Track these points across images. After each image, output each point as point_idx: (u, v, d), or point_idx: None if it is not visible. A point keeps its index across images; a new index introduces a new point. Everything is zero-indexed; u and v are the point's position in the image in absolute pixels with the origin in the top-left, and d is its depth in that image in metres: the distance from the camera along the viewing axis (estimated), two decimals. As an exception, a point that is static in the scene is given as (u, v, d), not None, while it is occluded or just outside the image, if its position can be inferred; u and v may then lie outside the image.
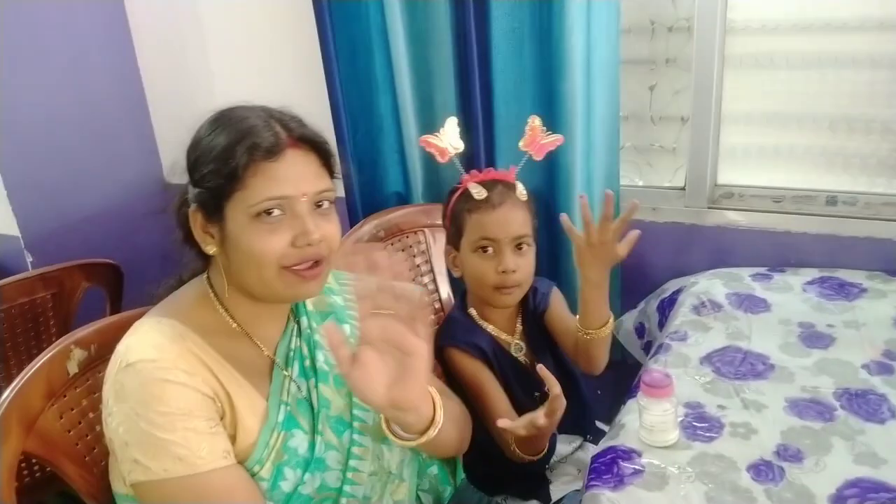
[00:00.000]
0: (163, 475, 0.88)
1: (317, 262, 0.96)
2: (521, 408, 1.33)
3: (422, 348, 0.87)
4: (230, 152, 0.92)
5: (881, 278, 1.55)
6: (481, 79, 1.73)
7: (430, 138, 1.33)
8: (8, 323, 1.55)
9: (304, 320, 1.10)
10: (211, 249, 0.97)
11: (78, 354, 1.10)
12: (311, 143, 0.97)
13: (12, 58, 1.96)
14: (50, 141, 2.08)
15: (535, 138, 1.33)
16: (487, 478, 1.31)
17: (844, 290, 1.52)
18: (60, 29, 2.09)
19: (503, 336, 1.38)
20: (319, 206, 0.97)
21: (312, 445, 1.01)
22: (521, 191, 1.31)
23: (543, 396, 1.31)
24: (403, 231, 1.66)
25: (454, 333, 1.33)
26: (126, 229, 2.03)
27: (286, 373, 1.04)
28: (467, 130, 1.81)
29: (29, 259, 2.02)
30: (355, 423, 1.07)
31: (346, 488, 1.04)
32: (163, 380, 0.89)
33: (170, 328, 0.95)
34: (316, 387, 1.05)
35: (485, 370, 1.30)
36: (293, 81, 2.07)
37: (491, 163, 1.81)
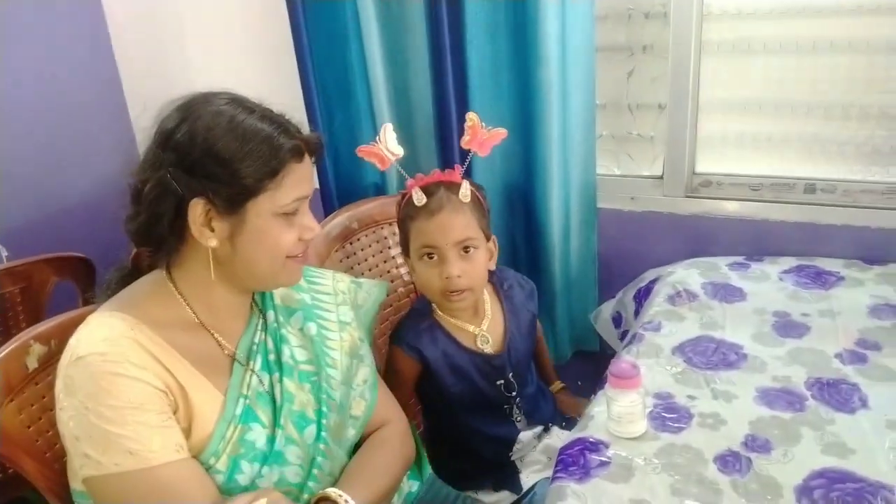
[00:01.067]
0: (114, 469, 0.87)
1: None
2: (485, 397, 1.35)
3: None
4: (269, 155, 0.94)
5: (858, 266, 1.54)
6: (455, 68, 1.71)
7: (368, 147, 1.29)
8: (-25, 317, 1.53)
9: (270, 314, 1.09)
10: (212, 242, 0.96)
11: (37, 349, 1.08)
12: (313, 145, 1.02)
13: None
14: (25, 134, 2.04)
15: (476, 135, 1.30)
16: (456, 472, 1.31)
17: (821, 279, 1.51)
18: (36, 20, 2.05)
19: (468, 328, 1.37)
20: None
21: (272, 439, 1.00)
22: (464, 192, 1.28)
23: (507, 385, 1.33)
24: (378, 222, 1.64)
25: (405, 333, 1.35)
26: (102, 223, 1.99)
27: (247, 367, 1.03)
28: (442, 121, 1.79)
29: (4, 253, 1.99)
30: (323, 421, 1.06)
31: (310, 484, 1.03)
32: (112, 373, 0.88)
33: (121, 321, 0.93)
34: (280, 381, 1.04)
35: (413, 374, 1.35)
36: (267, 69, 2.04)
37: (465, 152, 1.78)
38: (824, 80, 1.62)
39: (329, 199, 1.99)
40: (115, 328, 0.92)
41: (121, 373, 0.88)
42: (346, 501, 0.99)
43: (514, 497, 1.32)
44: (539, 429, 1.40)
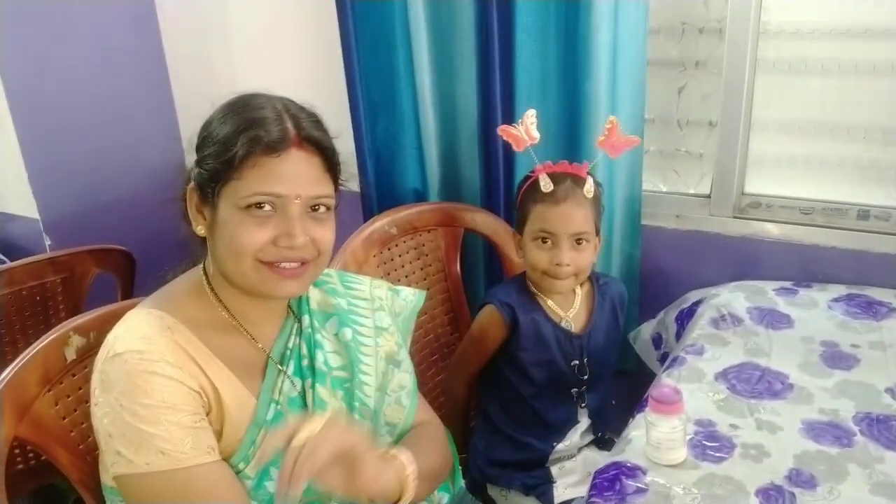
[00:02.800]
0: (145, 469, 0.86)
1: (303, 263, 0.95)
2: (559, 372, 1.37)
3: (356, 440, 0.87)
4: (233, 140, 0.91)
5: (910, 297, 1.49)
6: (503, 76, 1.69)
7: (509, 128, 1.35)
8: (16, 306, 1.55)
9: (305, 319, 1.08)
10: (201, 230, 0.97)
11: (77, 341, 1.09)
12: (318, 146, 0.95)
13: (40, 42, 1.96)
14: (73, 125, 2.08)
15: (613, 136, 1.33)
16: (496, 465, 1.30)
17: (872, 309, 1.45)
18: (88, 14, 2.09)
19: (557, 310, 1.40)
20: (315, 210, 0.96)
21: None
22: (588, 188, 1.32)
23: (580, 368, 1.37)
24: (417, 229, 1.63)
25: (500, 291, 1.40)
26: (146, 216, 2.02)
27: (281, 368, 1.02)
28: (488, 129, 1.77)
29: (47, 242, 2.03)
30: None
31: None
32: (148, 372, 0.88)
33: (158, 320, 0.93)
34: (312, 387, 1.03)
35: (497, 338, 1.37)
36: (313, 72, 2.05)
37: (509, 161, 1.77)
38: (883, 103, 1.57)
39: (369, 204, 1.99)
40: (153, 326, 0.92)
41: (156, 371, 0.88)
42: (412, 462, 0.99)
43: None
44: (588, 437, 1.41)
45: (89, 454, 1.07)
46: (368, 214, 1.96)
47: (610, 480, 1.04)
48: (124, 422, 0.86)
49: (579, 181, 1.33)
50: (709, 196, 1.76)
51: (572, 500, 1.31)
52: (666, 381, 1.25)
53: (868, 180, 1.64)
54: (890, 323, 1.40)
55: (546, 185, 1.31)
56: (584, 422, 1.41)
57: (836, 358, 1.30)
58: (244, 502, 0.92)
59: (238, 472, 0.93)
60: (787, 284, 1.59)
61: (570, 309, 1.40)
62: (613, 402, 1.97)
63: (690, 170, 1.81)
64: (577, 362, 1.37)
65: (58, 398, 1.07)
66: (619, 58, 1.60)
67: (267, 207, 0.92)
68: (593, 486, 1.04)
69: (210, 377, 0.93)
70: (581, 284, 1.42)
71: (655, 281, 1.80)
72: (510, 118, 1.73)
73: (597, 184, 1.35)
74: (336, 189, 1.00)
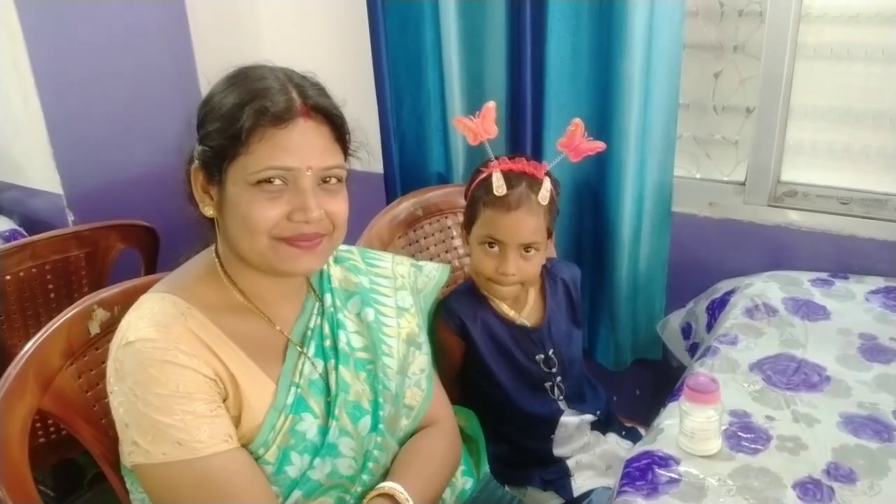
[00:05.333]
0: (161, 459, 0.85)
1: (318, 237, 0.92)
2: (524, 371, 1.33)
3: None
4: (237, 112, 0.87)
5: (951, 291, 1.44)
6: (534, 57, 1.66)
7: (465, 119, 1.28)
8: (39, 280, 1.55)
9: (327, 298, 1.05)
10: (209, 211, 0.94)
11: (101, 315, 1.08)
12: (326, 115, 0.92)
13: (66, 17, 1.95)
14: (98, 100, 2.06)
15: (575, 140, 1.26)
16: (502, 464, 1.27)
17: (911, 302, 1.41)
18: (114, -11, 2.07)
19: (508, 311, 1.35)
20: (326, 182, 0.92)
21: (324, 430, 0.97)
22: (543, 194, 1.25)
23: (547, 361, 1.33)
24: (442, 211, 1.60)
25: (447, 303, 1.33)
26: (169, 193, 2.02)
27: (301, 350, 0.99)
28: (516, 110, 1.74)
29: (70, 217, 2.03)
30: (379, 412, 1.03)
31: (364, 477, 1.00)
32: (161, 360, 0.86)
33: (172, 306, 0.91)
34: (336, 368, 1.01)
35: (455, 347, 1.33)
36: (339, 50, 2.03)
37: (537, 144, 1.73)
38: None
39: (392, 185, 1.97)
40: (166, 312, 0.90)
41: (169, 360, 0.86)
42: (406, 499, 0.95)
43: (563, 501, 1.27)
44: (587, 417, 1.36)
45: (111, 429, 1.05)
46: (392, 197, 1.94)
47: (642, 470, 1.01)
48: (139, 411, 0.85)
49: (535, 185, 1.25)
50: (743, 183, 1.72)
51: (592, 490, 1.28)
52: (700, 370, 1.22)
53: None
54: (931, 316, 1.36)
55: (499, 187, 1.23)
56: (570, 412, 1.35)
57: (874, 351, 1.26)
58: (264, 489, 0.90)
59: (258, 458, 0.91)
60: (823, 275, 1.55)
61: (523, 307, 1.35)
62: (638, 393, 1.95)
63: (725, 156, 1.77)
64: (541, 356, 1.33)
65: (81, 372, 1.06)
66: (655, 39, 1.56)
67: (277, 182, 0.88)
68: (624, 476, 1.01)
69: (225, 363, 0.91)
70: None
71: (685, 270, 1.76)
72: (540, 100, 1.70)
73: (554, 185, 1.28)
74: (346, 159, 0.96)
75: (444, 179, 1.91)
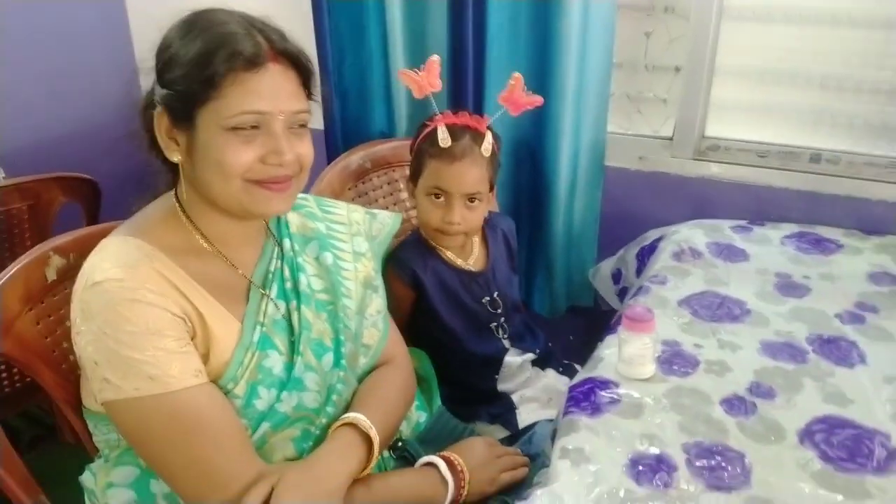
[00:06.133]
0: (134, 394, 0.87)
1: (286, 178, 0.95)
2: (471, 313, 1.40)
3: None
4: (208, 58, 0.88)
5: (857, 236, 1.59)
6: (475, 15, 1.70)
7: (410, 72, 1.32)
8: (-19, 232, 1.52)
9: (286, 242, 1.09)
10: (175, 157, 0.94)
11: (57, 261, 1.08)
12: (293, 59, 0.94)
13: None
14: (27, 56, 2.00)
15: (514, 94, 1.33)
16: (450, 401, 1.34)
17: (821, 245, 1.55)
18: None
19: (454, 258, 1.41)
20: (294, 126, 0.95)
21: (290, 366, 1.01)
22: (486, 146, 1.31)
23: (492, 303, 1.40)
24: (391, 164, 1.65)
25: (397, 254, 1.38)
26: (101, 149, 1.96)
27: (264, 292, 1.02)
28: (458, 66, 1.78)
29: (0, 174, 1.97)
30: (341, 349, 1.07)
31: (328, 409, 1.05)
32: (130, 299, 0.87)
33: (136, 248, 0.92)
34: (298, 308, 1.04)
35: (407, 297, 1.38)
36: (280, 8, 2.00)
37: (479, 99, 1.79)
38: (839, 52, 1.65)
39: (334, 142, 1.98)
40: (131, 254, 0.91)
41: (138, 299, 0.87)
42: (369, 427, 1.01)
43: (509, 433, 1.35)
44: (528, 356, 1.44)
45: (72, 373, 1.07)
46: (333, 154, 1.95)
47: (585, 393, 1.10)
48: (109, 349, 0.87)
49: (478, 137, 1.31)
50: (671, 138, 1.83)
51: (535, 423, 1.36)
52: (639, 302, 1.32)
53: (822, 126, 1.73)
54: (837, 258, 1.50)
55: (444, 139, 1.29)
56: (514, 351, 1.43)
57: (789, 287, 1.39)
58: (234, 421, 0.93)
59: (227, 393, 0.94)
60: (743, 223, 1.68)
61: (469, 255, 1.42)
62: (571, 339, 2.05)
63: (655, 114, 1.87)
64: (487, 298, 1.41)
65: (39, 317, 1.07)
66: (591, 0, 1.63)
67: (251, 126, 0.90)
68: (570, 399, 1.10)
69: (193, 302, 0.93)
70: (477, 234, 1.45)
71: (616, 220, 1.86)
72: (481, 57, 1.75)
73: (496, 138, 1.34)
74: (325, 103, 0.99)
75: (386, 137, 1.94)
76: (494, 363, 1.40)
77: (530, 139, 1.81)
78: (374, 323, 1.16)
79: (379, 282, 1.19)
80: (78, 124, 2.11)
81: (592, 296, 1.93)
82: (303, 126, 0.96)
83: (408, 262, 1.36)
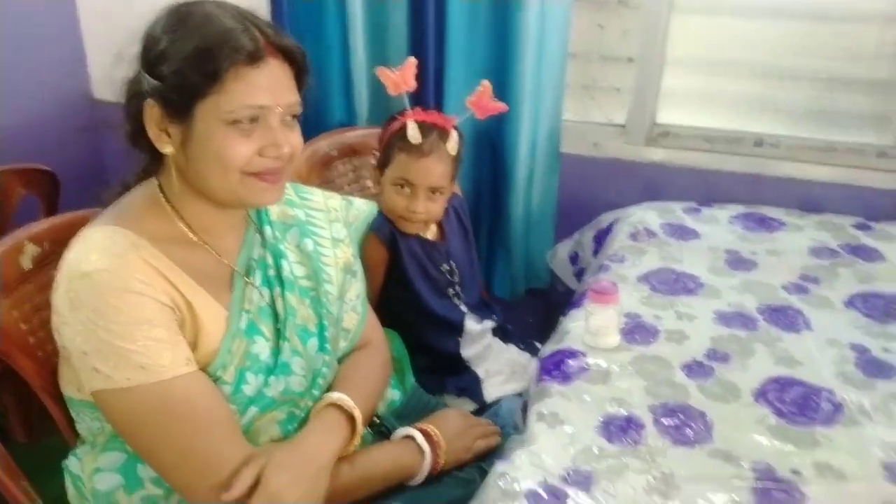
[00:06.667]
0: (125, 384, 0.88)
1: (281, 169, 0.97)
2: (432, 278, 1.46)
3: None
4: (210, 52, 0.89)
5: (798, 214, 1.69)
6: (436, 7, 1.74)
7: (387, 71, 1.38)
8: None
9: (267, 230, 1.10)
10: (167, 148, 0.95)
11: (31, 250, 1.08)
12: (288, 54, 0.95)
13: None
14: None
15: (482, 100, 1.40)
16: (430, 371, 1.40)
17: (766, 224, 1.65)
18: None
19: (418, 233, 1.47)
20: (287, 118, 0.96)
21: (276, 352, 1.03)
22: (452, 145, 1.38)
23: (451, 271, 1.48)
24: (356, 152, 1.68)
25: (380, 222, 1.41)
26: (50, 143, 1.95)
27: (248, 280, 1.04)
28: (418, 58, 1.81)
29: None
30: (325, 334, 1.10)
31: (314, 392, 1.08)
32: (120, 289, 0.88)
33: (122, 237, 0.93)
34: (282, 295, 1.06)
35: (381, 260, 1.43)
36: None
37: (439, 90, 1.83)
38: (781, 44, 1.76)
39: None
40: (117, 243, 0.92)
41: (128, 289, 0.88)
42: (353, 407, 1.05)
43: (476, 406, 1.41)
44: (488, 324, 1.51)
45: (48, 361, 1.07)
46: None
47: (555, 363, 1.17)
48: (99, 339, 0.87)
49: (445, 135, 1.38)
50: (624, 126, 1.91)
51: (501, 398, 1.42)
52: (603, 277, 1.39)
53: (765, 112, 1.83)
54: (781, 235, 1.60)
55: (414, 136, 1.35)
56: (472, 316, 1.50)
57: (738, 262, 1.48)
58: (224, 407, 0.95)
59: (217, 380, 0.95)
60: (693, 204, 1.76)
61: (427, 230, 1.49)
62: (530, 320, 2.12)
63: (609, 102, 1.95)
64: (446, 266, 1.48)
65: (15, 305, 1.06)
66: (549, -9, 1.69)
67: (250, 119, 0.92)
68: (541, 370, 1.16)
69: (181, 290, 0.94)
70: None
71: (572, 205, 1.93)
72: (441, 50, 1.79)
73: (460, 138, 1.41)
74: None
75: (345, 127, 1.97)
76: (456, 326, 1.47)
77: (490, 128, 1.86)
78: (353, 307, 1.19)
79: (357, 267, 1.22)
80: (23, 120, 2.06)
81: (549, 278, 2.00)
82: (294, 117, 0.98)
83: (385, 224, 1.42)
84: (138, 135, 0.97)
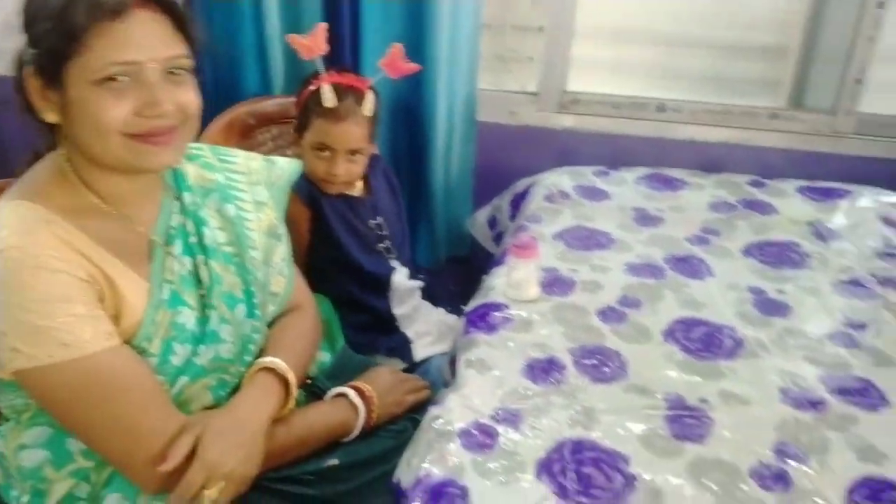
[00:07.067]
0: (48, 361, 0.86)
1: (170, 129, 0.91)
2: (361, 234, 1.48)
3: None
4: (68, 9, 0.84)
5: (699, 174, 1.80)
6: (351, -24, 1.75)
7: (297, 37, 1.40)
8: None
9: (186, 196, 1.06)
10: (51, 117, 0.90)
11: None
12: (161, 4, 0.90)
13: None
14: None
15: (394, 62, 1.44)
16: (361, 330, 1.43)
17: (670, 184, 1.75)
18: None
19: (343, 191, 1.50)
20: (173, 73, 0.91)
21: (203, 321, 1.01)
22: (369, 106, 1.41)
23: (380, 226, 1.51)
24: (274, 121, 1.68)
25: (299, 182, 1.38)
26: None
27: (167, 249, 1.01)
28: (333, 28, 1.81)
29: None
30: (253, 300, 1.09)
31: (246, 358, 1.07)
32: (34, 267, 0.86)
33: (33, 213, 0.89)
34: (206, 263, 1.04)
35: (304, 220, 1.44)
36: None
37: (356, 61, 1.84)
38: (682, 12, 1.86)
39: (206, 108, 1.94)
40: (27, 219, 0.88)
41: (42, 266, 0.86)
42: (286, 370, 1.05)
43: (406, 365, 1.45)
44: (416, 283, 1.55)
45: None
46: (206, 119, 1.93)
47: (480, 315, 1.22)
48: (17, 319, 0.85)
49: (360, 97, 1.40)
50: (537, 94, 1.97)
51: (430, 357, 1.47)
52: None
53: (668, 78, 1.94)
54: (684, 193, 1.70)
55: (329, 99, 1.37)
56: (401, 271, 1.53)
57: (645, 219, 1.58)
58: (150, 379, 0.94)
59: (143, 352, 0.94)
60: (603, 168, 1.85)
61: (353, 188, 1.51)
62: (452, 288, 2.17)
63: (523, 71, 2.01)
64: (374, 221, 1.51)
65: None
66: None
67: (123, 79, 0.86)
68: (467, 323, 1.22)
69: (98, 265, 0.91)
70: None
71: (489, 172, 1.99)
72: (356, 15, 1.79)
73: (377, 98, 1.43)
74: (192, 48, 0.95)
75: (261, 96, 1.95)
76: (385, 282, 1.49)
77: (408, 97, 1.89)
78: (279, 270, 1.17)
79: (282, 229, 1.20)
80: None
81: (469, 245, 2.05)
82: (186, 71, 0.93)
83: (305, 184, 1.42)
84: (28, 106, 0.93)
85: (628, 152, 1.89)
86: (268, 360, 1.07)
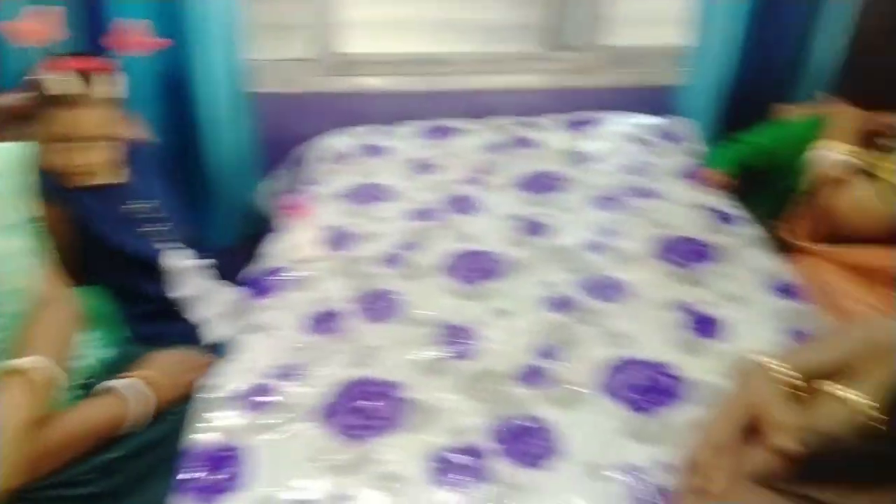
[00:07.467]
0: None
1: None
2: (121, 220, 1.40)
3: None
4: None
5: (472, 121, 1.87)
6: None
7: (21, 24, 1.32)
8: None
9: None
10: None
11: None
12: None
13: None
14: None
15: (122, 39, 1.40)
16: (147, 319, 1.37)
17: (445, 133, 1.81)
18: None
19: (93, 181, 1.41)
20: None
21: None
22: (102, 88, 1.31)
23: (139, 209, 1.42)
24: (17, 116, 1.54)
25: (41, 185, 1.29)
26: None
27: None
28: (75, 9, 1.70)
29: None
30: None
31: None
32: None
33: None
34: None
35: (58, 227, 1.32)
36: None
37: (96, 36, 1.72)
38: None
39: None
40: None
41: None
42: (31, 368, 0.98)
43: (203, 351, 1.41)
44: (196, 263, 1.50)
45: None
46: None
47: (254, 282, 1.23)
48: None
49: (91, 81, 1.30)
50: (315, 60, 1.96)
51: (224, 336, 1.43)
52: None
53: (444, 32, 2.00)
54: (459, 140, 1.77)
55: (55, 87, 1.27)
56: (176, 254, 1.47)
57: (422, 168, 1.63)
58: None
59: None
60: (383, 127, 1.88)
61: (100, 179, 1.40)
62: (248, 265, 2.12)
63: (298, 38, 1.98)
64: (133, 205, 1.42)
65: None
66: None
67: None
68: (248, 287, 1.20)
69: None
70: None
71: (276, 144, 1.95)
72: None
73: (117, 76, 1.36)
74: None
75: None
76: (152, 265, 1.42)
77: (170, 75, 1.81)
78: (18, 266, 1.09)
79: (15, 220, 1.11)
80: None
81: (261, 220, 2.00)
82: None
83: (48, 182, 1.30)
84: None
85: (408, 108, 1.93)
86: (13, 362, 0.99)
